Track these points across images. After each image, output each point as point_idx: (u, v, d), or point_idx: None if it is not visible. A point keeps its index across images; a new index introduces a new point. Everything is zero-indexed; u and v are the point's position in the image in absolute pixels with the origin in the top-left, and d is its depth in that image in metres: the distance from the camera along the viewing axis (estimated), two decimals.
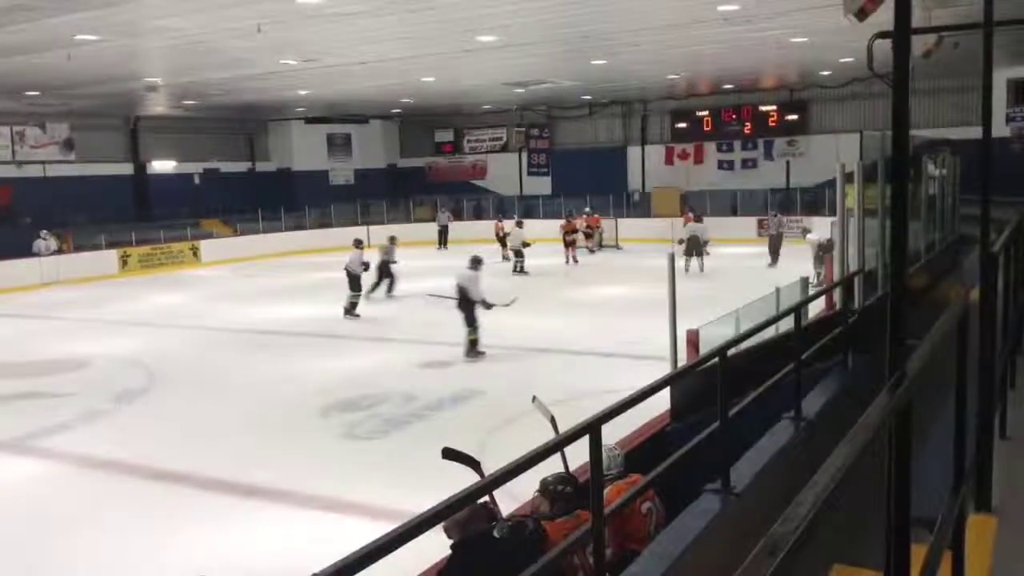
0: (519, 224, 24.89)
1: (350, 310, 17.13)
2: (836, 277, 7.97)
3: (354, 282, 17.30)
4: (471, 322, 13.13)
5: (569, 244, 25.25)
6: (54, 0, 12.32)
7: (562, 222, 26.13)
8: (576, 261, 25.06)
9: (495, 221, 28.30)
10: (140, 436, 10.03)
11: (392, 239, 20.03)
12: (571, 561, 3.56)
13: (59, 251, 25.90)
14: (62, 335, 16.85)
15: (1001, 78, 21.93)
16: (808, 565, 1.67)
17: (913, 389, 2.14)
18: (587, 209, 28.80)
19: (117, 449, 9.47)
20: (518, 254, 23.40)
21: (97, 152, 30.63)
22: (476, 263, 13.41)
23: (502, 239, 26.49)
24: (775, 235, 23.46)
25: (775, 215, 24.87)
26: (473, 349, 13.10)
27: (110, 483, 8.57)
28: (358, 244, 17.88)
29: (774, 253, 22.81)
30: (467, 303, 13.11)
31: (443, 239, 31.12)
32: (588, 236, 27.49)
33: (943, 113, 25.42)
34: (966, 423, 2.93)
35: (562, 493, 3.96)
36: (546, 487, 4.00)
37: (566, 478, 4.05)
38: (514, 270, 23.16)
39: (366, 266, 17.53)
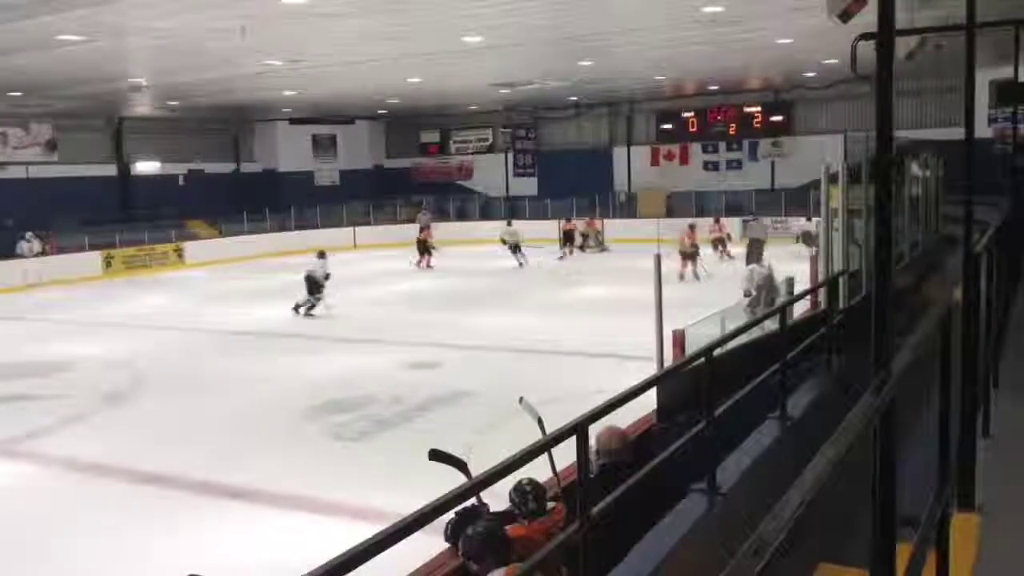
0: (572, 223, 27.96)
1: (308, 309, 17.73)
2: (820, 277, 8.01)
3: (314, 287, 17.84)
4: None
5: (567, 242, 27.60)
6: (37, 0, 12.23)
7: (562, 222, 28.37)
8: (571, 253, 27.45)
9: (419, 225, 28.08)
10: (125, 438, 9.97)
11: (321, 253, 18.95)
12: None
13: (42, 252, 25.70)
14: (46, 337, 16.71)
15: (984, 79, 22.06)
16: (794, 564, 1.68)
17: (897, 389, 2.16)
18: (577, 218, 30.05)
19: (101, 451, 9.41)
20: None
21: (81, 153, 30.37)
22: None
23: (426, 245, 26.15)
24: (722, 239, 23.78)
25: (717, 219, 25.28)
26: None
27: (94, 485, 8.51)
28: (322, 255, 18.50)
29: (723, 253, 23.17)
30: None
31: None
32: (584, 237, 28.95)
33: (927, 114, 25.58)
34: (950, 422, 2.95)
35: (525, 495, 3.96)
36: (511, 496, 4.01)
37: (523, 484, 4.02)
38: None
39: (327, 276, 18.01)
